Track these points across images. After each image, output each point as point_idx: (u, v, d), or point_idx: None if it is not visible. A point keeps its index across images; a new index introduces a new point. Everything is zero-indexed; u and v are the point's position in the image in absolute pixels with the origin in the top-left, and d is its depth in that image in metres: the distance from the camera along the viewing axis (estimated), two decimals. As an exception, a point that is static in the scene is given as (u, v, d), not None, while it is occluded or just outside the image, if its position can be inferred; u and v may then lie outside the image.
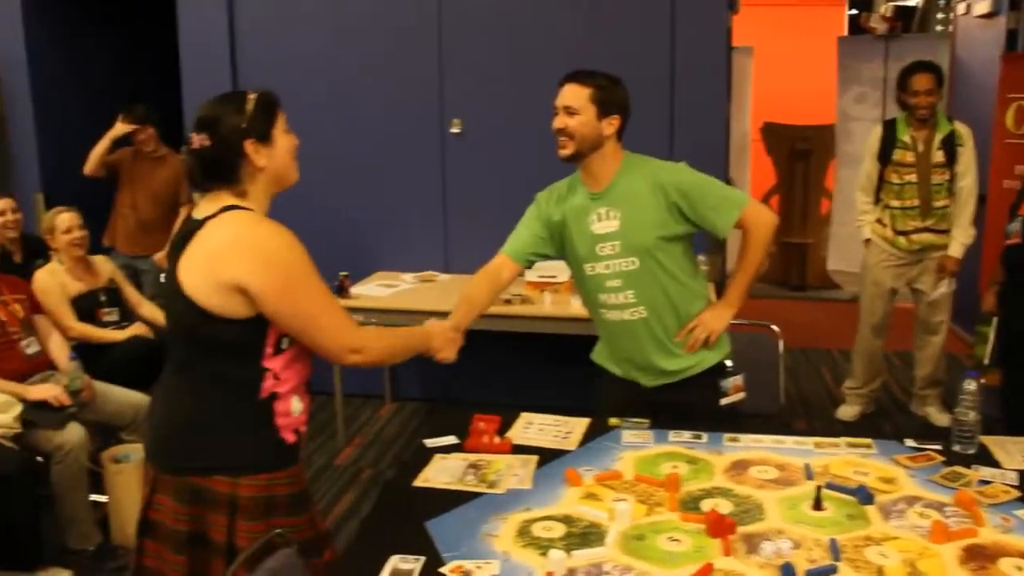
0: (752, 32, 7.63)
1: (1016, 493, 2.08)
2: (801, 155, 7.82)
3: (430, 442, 2.42)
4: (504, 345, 4.80)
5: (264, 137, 1.92)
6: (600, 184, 2.61)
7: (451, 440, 2.42)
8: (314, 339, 1.92)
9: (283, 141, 1.96)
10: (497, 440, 2.38)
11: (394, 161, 4.99)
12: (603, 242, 2.59)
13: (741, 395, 2.73)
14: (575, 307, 4.10)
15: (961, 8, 6.69)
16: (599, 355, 2.83)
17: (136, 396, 3.66)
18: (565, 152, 2.56)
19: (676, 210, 2.55)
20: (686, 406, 2.64)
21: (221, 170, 1.91)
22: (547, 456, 2.32)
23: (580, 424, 2.54)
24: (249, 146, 1.90)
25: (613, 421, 2.54)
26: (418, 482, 2.19)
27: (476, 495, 2.10)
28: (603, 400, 2.77)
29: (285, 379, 1.94)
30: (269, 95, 1.97)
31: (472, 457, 2.32)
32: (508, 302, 4.25)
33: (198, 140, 1.90)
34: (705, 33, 4.56)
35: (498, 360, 4.97)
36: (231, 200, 1.92)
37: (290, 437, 1.98)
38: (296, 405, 1.98)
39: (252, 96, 1.94)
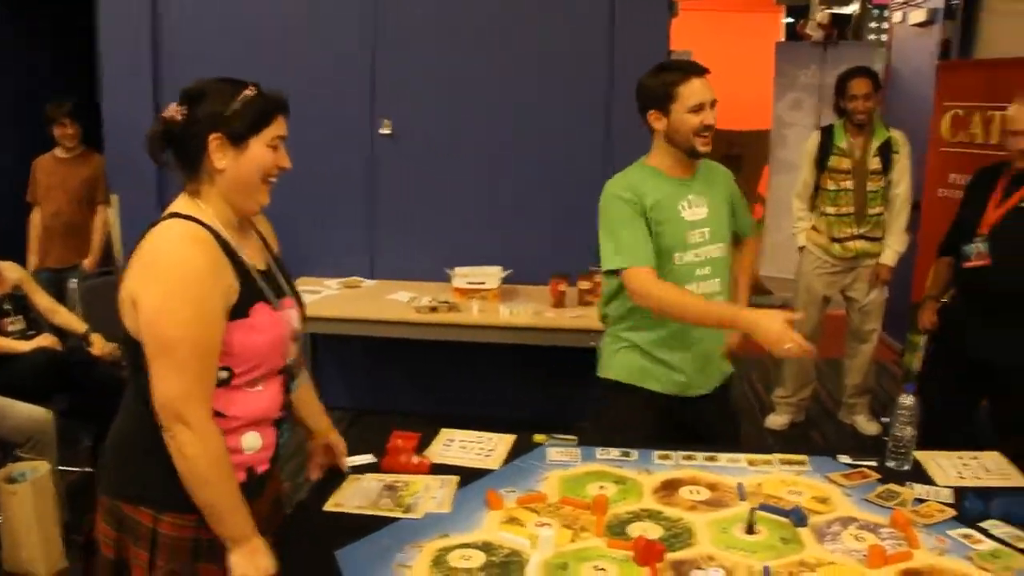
0: (690, 36, 7.60)
1: (951, 512, 2.02)
2: (734, 160, 7.83)
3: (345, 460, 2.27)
4: (431, 354, 4.67)
5: (237, 138, 1.70)
6: (688, 171, 2.59)
7: (368, 459, 2.27)
8: (152, 376, 1.62)
9: (259, 153, 1.72)
10: (415, 459, 2.24)
11: (320, 163, 4.78)
12: (694, 229, 2.55)
13: None
14: (503, 315, 3.98)
15: (897, 17, 6.73)
16: (629, 371, 2.65)
17: (38, 411, 3.45)
18: (709, 148, 2.53)
19: (731, 206, 2.69)
20: (723, 418, 2.73)
21: (179, 150, 1.72)
22: (468, 476, 2.19)
23: (504, 441, 2.42)
24: (214, 140, 1.68)
25: (538, 438, 2.42)
26: (329, 506, 2.04)
27: (391, 520, 1.96)
28: (619, 419, 2.65)
29: (233, 415, 1.71)
30: (275, 100, 1.76)
31: (388, 478, 2.18)
32: (434, 310, 4.11)
33: (172, 110, 1.70)
34: (646, 38, 4.44)
35: (425, 369, 4.84)
36: (183, 200, 1.73)
37: (238, 475, 1.72)
38: (251, 441, 1.75)
39: (252, 91, 1.73)
